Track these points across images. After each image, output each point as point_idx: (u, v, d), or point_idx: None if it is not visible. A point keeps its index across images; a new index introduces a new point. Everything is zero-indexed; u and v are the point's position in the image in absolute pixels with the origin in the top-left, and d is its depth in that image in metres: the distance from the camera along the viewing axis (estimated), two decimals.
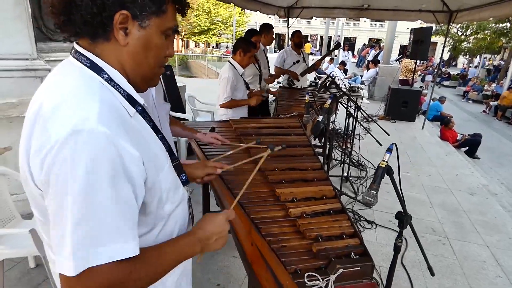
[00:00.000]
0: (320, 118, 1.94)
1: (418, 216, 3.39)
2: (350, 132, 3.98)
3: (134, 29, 0.68)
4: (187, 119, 4.10)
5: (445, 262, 2.70)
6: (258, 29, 4.16)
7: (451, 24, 6.05)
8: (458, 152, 6.63)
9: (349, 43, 32.90)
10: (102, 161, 0.60)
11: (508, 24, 18.63)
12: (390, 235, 2.97)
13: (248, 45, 2.98)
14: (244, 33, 3.98)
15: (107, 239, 0.61)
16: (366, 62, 15.19)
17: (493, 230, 3.27)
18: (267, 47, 4.49)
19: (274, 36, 4.42)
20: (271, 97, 4.76)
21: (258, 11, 6.15)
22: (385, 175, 1.34)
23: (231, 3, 5.16)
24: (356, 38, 40.58)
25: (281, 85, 4.82)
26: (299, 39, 4.71)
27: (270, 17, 17.34)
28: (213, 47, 33.15)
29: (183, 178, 0.89)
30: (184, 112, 4.52)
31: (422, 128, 7.08)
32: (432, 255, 2.78)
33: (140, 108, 0.75)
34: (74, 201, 0.58)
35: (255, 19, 28.05)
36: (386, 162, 1.19)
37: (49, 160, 0.59)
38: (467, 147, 7.69)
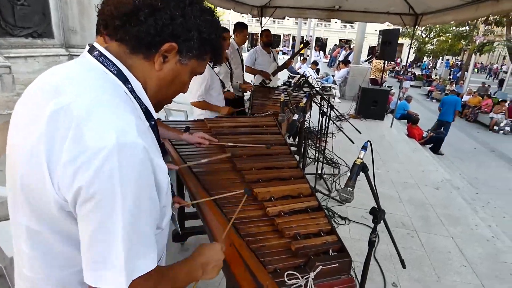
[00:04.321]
0: (296, 117, 1.95)
1: (389, 211, 3.51)
2: (323, 130, 4.06)
3: (173, 61, 0.73)
4: (160, 119, 3.99)
5: (414, 255, 2.82)
6: (232, 28, 4.13)
7: (416, 26, 6.33)
8: (424, 148, 6.97)
9: (321, 44, 33.60)
10: (145, 175, 0.62)
11: (467, 28, 19.84)
12: (363, 230, 3.06)
13: None
14: None
15: (145, 250, 0.64)
16: (337, 62, 15.56)
17: (457, 222, 3.46)
18: (241, 46, 4.47)
19: (247, 35, 4.41)
20: (245, 97, 4.74)
21: (231, 10, 6.12)
22: (360, 172, 1.38)
23: (204, 1, 5.09)
24: (327, 38, 41.52)
25: (253, 84, 4.82)
26: (267, 38, 4.72)
27: (243, 16, 17.32)
28: None
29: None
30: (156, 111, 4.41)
31: (391, 126, 7.36)
32: (402, 248, 2.89)
33: (153, 123, 0.76)
34: (123, 216, 0.59)
35: (228, 17, 27.92)
36: (362, 159, 1.21)
37: (90, 173, 0.57)
38: (432, 144, 8.10)
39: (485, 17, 15.37)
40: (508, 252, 3.01)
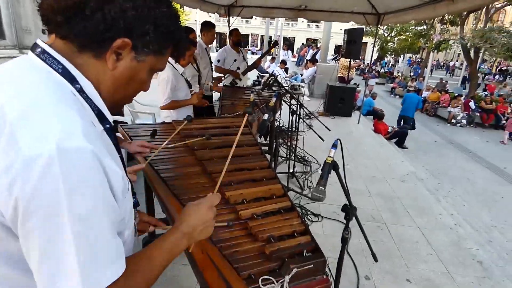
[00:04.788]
0: (266, 116, 1.93)
1: (359, 206, 3.58)
2: (294, 129, 4.09)
3: (128, 58, 0.66)
4: (126, 122, 3.83)
5: (384, 247, 2.91)
6: (199, 27, 4.05)
7: (379, 25, 6.56)
8: (389, 143, 7.25)
9: (288, 43, 34.03)
10: (95, 180, 0.56)
11: (425, 27, 20.92)
12: (336, 226, 3.12)
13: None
14: None
15: (107, 259, 0.59)
16: (305, 61, 15.81)
17: (422, 212, 3.62)
18: (209, 45, 4.40)
19: (215, 34, 4.35)
20: (215, 97, 4.68)
21: (198, 9, 6.01)
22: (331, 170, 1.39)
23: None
24: (294, 38, 42.13)
25: (223, 84, 4.77)
26: (237, 38, 4.69)
27: (210, 16, 17.12)
28: None
29: (134, 200, 0.83)
30: (122, 114, 4.23)
31: (358, 123, 7.58)
32: (373, 241, 2.93)
33: (108, 126, 0.68)
34: (74, 228, 0.53)
35: (195, 17, 27.49)
36: (332, 158, 1.21)
37: (30, 185, 0.50)
38: (397, 138, 8.46)
39: (441, 17, 16.29)
40: (468, 238, 3.19)
